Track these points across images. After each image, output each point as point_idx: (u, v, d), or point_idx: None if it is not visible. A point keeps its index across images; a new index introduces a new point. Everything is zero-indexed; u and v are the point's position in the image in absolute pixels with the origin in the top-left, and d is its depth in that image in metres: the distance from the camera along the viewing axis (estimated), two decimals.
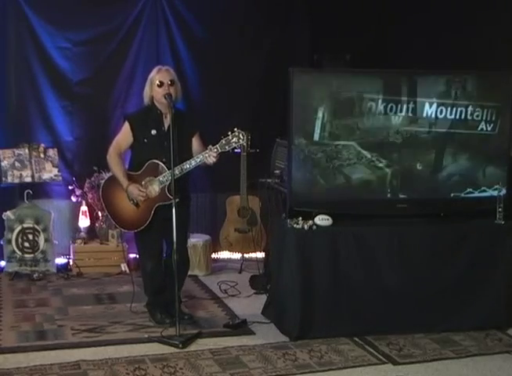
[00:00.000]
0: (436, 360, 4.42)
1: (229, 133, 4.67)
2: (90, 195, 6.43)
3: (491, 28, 5.67)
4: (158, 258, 4.93)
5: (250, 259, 6.61)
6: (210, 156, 4.64)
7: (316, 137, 4.83)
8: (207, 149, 4.67)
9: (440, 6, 6.20)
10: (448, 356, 4.49)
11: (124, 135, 4.86)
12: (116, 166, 4.83)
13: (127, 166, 4.94)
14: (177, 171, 4.62)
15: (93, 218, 6.55)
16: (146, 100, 4.86)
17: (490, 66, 5.43)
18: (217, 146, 4.66)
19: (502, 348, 4.64)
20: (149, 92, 4.81)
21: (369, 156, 4.92)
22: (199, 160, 4.67)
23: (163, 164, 4.71)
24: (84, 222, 6.52)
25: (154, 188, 4.75)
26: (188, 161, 4.66)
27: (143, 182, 4.76)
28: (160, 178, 4.72)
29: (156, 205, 4.73)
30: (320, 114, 4.82)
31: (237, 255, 6.83)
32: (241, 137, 4.65)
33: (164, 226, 4.71)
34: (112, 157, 4.84)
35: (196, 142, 4.87)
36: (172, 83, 4.77)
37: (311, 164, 4.85)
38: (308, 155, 4.84)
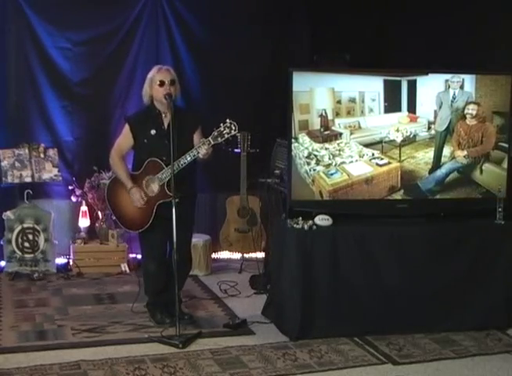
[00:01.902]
0: (436, 360, 4.42)
1: (221, 125, 4.67)
2: (90, 195, 6.43)
3: (491, 28, 5.67)
4: (161, 259, 4.91)
5: (250, 259, 6.62)
6: (202, 148, 4.63)
7: (318, 136, 4.86)
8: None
9: (440, 6, 6.20)
10: (448, 356, 4.49)
11: (125, 137, 4.86)
12: (119, 168, 4.84)
13: (131, 167, 4.94)
14: (174, 168, 4.62)
15: (93, 218, 6.55)
16: (146, 99, 4.86)
17: (490, 66, 5.43)
18: (209, 138, 4.66)
19: (502, 348, 4.64)
20: (149, 91, 4.81)
21: (370, 154, 4.94)
22: (193, 154, 4.66)
23: (161, 162, 4.71)
24: (84, 222, 6.51)
25: (155, 186, 4.75)
26: (183, 156, 4.65)
27: (144, 182, 4.77)
28: (159, 175, 4.72)
29: (158, 203, 4.73)
30: (322, 113, 4.84)
31: (237, 255, 6.83)
32: (233, 128, 4.64)
33: (168, 226, 4.70)
34: (114, 159, 4.85)
35: (197, 138, 4.85)
36: (173, 83, 4.77)
37: (313, 162, 4.87)
38: (311, 153, 4.86)
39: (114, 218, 5.06)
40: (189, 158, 4.67)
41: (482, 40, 5.70)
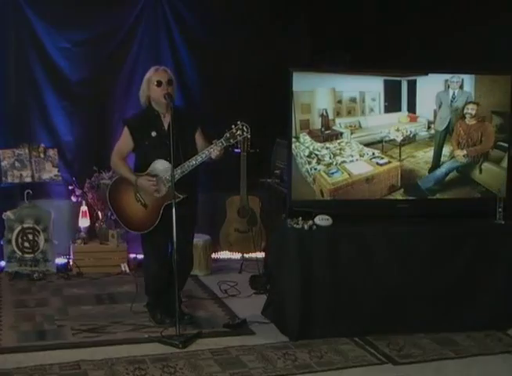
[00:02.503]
0: (436, 360, 4.41)
1: (233, 126, 4.67)
2: (90, 195, 6.42)
3: (490, 28, 5.66)
4: (163, 259, 4.89)
5: (250, 259, 6.61)
6: (214, 150, 4.64)
7: (319, 135, 4.87)
8: (211, 143, 4.68)
9: (440, 5, 6.19)
10: (448, 356, 4.48)
11: (125, 141, 4.85)
12: (120, 167, 4.84)
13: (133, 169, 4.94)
14: (182, 169, 4.63)
15: (93, 218, 6.54)
16: (143, 100, 4.86)
17: (489, 66, 5.42)
18: (221, 140, 4.66)
19: (502, 348, 4.63)
20: (147, 92, 4.81)
21: (370, 153, 4.95)
22: (204, 155, 4.67)
23: (169, 163, 4.69)
24: (84, 222, 6.50)
25: (161, 187, 4.74)
26: (194, 157, 4.66)
27: None
28: (167, 176, 4.71)
29: (165, 204, 4.72)
30: (323, 113, 4.84)
31: (237, 255, 6.82)
32: (245, 129, 4.66)
33: (171, 226, 4.71)
34: (115, 162, 4.85)
35: (199, 138, 4.86)
36: (170, 83, 4.77)
37: (314, 162, 4.87)
38: (312, 152, 4.86)
39: (116, 218, 5.03)
40: (199, 159, 4.67)
41: (482, 39, 5.69)
